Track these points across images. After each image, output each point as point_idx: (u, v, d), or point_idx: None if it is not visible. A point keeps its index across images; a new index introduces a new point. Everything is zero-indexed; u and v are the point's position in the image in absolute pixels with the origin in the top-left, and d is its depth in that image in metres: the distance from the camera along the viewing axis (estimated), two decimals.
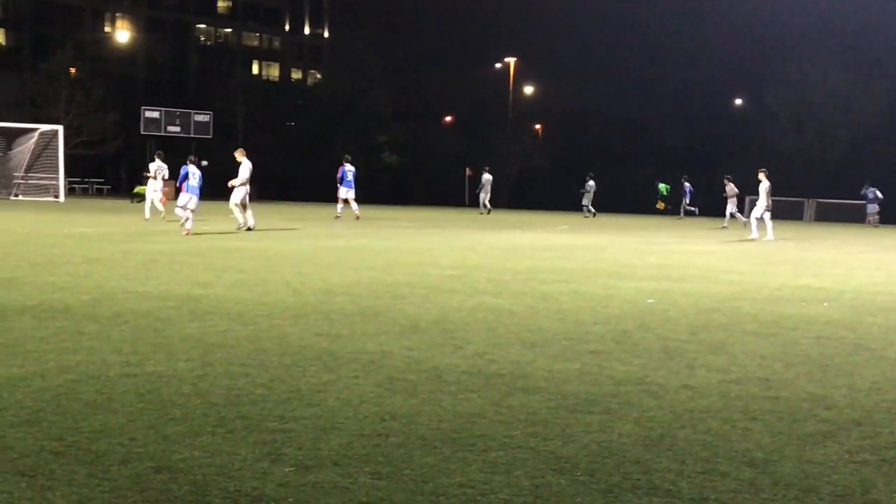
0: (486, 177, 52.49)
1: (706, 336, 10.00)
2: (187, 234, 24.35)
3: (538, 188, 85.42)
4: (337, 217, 37.04)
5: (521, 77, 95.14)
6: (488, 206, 52.46)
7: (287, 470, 5.13)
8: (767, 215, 31.93)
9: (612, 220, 49.19)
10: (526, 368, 7.96)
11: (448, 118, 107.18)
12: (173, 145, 58.85)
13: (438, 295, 12.88)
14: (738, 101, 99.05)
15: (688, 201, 53.96)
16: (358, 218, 36.26)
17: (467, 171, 66.68)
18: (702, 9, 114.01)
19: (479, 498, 4.82)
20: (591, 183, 52.91)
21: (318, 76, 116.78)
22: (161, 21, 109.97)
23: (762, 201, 31.86)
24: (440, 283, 14.33)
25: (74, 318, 9.82)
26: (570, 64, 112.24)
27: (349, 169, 38.00)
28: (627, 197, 64.77)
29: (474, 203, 54.67)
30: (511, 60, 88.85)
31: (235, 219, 27.95)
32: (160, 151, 35.83)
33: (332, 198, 38.57)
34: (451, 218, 45.25)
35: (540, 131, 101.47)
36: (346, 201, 37.63)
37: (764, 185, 31.90)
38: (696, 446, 5.83)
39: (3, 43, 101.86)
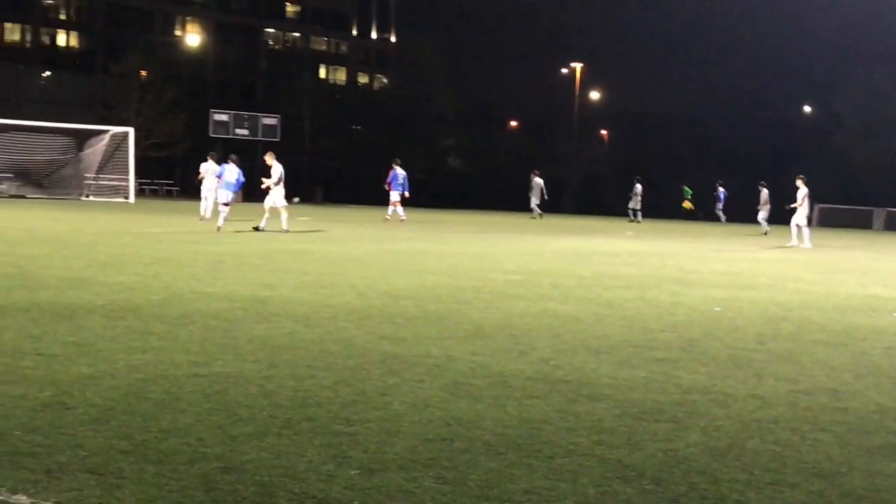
0: (537, 181, 52.06)
1: (774, 345, 9.89)
2: (218, 231, 26.16)
3: (604, 193, 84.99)
4: (402, 220, 37.18)
5: (588, 82, 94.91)
6: (539, 210, 51.99)
7: (353, 473, 5.14)
8: (794, 221, 31.52)
9: (676, 227, 48.83)
10: (591, 375, 7.92)
11: (513, 123, 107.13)
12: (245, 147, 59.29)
13: (503, 300, 12.87)
14: (807, 109, 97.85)
15: (721, 206, 53.60)
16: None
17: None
18: (771, 15, 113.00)
19: None
20: (639, 187, 52.60)
21: (385, 80, 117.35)
22: (230, 25, 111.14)
23: (803, 208, 31.50)
24: (505, 288, 14.32)
25: (143, 318, 9.93)
26: (637, 70, 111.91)
27: (399, 172, 38.25)
28: (695, 204, 64.20)
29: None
30: (577, 66, 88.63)
31: (281, 222, 27.65)
32: (213, 153, 36.36)
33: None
34: (516, 222, 45.18)
35: (606, 136, 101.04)
36: (399, 203, 37.92)
37: (802, 191, 31.50)
38: (764, 457, 5.76)
39: (76, 45, 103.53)
